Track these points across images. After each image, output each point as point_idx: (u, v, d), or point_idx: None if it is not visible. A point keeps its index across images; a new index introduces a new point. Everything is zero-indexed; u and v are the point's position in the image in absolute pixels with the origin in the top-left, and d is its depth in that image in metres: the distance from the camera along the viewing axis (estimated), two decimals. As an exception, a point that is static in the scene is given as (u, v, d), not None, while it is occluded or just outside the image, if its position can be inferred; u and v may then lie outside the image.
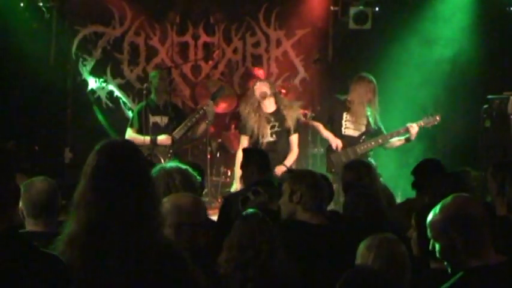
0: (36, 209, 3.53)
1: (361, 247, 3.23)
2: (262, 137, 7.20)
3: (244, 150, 6.23)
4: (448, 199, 2.81)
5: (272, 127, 7.27)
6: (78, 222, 2.44)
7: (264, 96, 7.26)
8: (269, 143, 7.20)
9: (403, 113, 8.53)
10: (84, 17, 9.82)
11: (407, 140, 7.29)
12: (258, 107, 7.29)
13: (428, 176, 4.83)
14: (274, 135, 7.27)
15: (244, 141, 7.31)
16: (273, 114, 7.32)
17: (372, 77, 7.26)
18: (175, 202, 3.13)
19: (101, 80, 9.91)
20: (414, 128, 7.19)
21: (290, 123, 7.27)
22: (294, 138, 7.32)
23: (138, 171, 2.51)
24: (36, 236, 3.31)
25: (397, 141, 7.42)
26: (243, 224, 3.38)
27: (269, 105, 7.33)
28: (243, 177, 5.60)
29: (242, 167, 5.59)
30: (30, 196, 3.53)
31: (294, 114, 7.34)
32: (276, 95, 7.42)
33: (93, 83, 9.91)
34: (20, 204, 3.40)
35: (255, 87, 7.39)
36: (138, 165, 2.53)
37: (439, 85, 9.21)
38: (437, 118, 7.37)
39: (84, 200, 2.44)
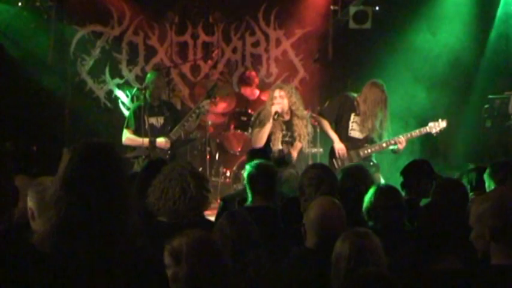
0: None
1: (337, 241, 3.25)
2: (273, 144, 7.19)
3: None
4: (494, 189, 2.88)
5: (284, 136, 7.27)
6: (48, 221, 2.47)
7: (278, 113, 7.15)
8: (279, 151, 7.16)
9: (403, 113, 8.52)
10: (83, 16, 9.82)
11: (394, 152, 7.28)
12: (271, 111, 7.20)
13: (417, 177, 4.90)
14: (283, 144, 7.26)
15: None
16: (287, 123, 7.28)
17: (384, 86, 7.19)
18: (322, 208, 3.35)
19: (100, 79, 9.92)
20: (402, 144, 7.15)
21: (299, 134, 7.25)
22: (297, 145, 7.29)
23: (110, 174, 2.53)
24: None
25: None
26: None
27: (285, 114, 7.27)
28: None
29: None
30: (44, 197, 3.43)
31: (304, 128, 7.26)
32: (293, 104, 7.25)
33: (91, 82, 9.91)
34: (30, 204, 3.40)
35: (275, 95, 7.21)
36: (110, 167, 2.54)
37: (439, 85, 9.15)
38: (444, 124, 7.30)
39: (55, 199, 2.47)
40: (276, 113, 7.08)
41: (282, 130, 7.21)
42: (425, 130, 7.29)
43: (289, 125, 7.24)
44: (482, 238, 2.75)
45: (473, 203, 3.01)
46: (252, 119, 7.64)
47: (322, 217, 3.45)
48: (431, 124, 7.30)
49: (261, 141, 7.11)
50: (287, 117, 7.23)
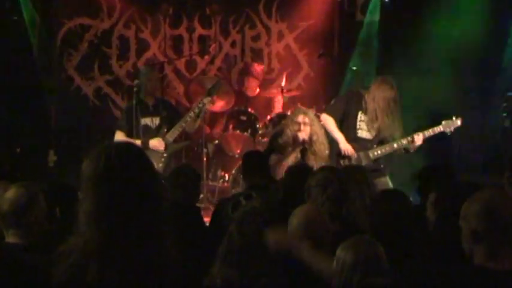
0: (3, 219, 3.48)
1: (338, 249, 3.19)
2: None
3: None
4: (486, 189, 2.86)
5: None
6: (95, 231, 2.34)
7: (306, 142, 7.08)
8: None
9: (415, 111, 8.28)
10: (70, 8, 9.66)
11: (407, 150, 7.08)
12: (295, 138, 7.14)
13: (434, 181, 4.74)
14: None
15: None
16: (301, 152, 7.17)
17: (394, 83, 6.99)
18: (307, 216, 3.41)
19: (88, 76, 9.79)
20: (416, 143, 6.96)
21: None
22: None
23: (143, 178, 2.40)
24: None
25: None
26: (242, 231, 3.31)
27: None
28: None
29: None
30: None
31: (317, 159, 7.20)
32: (315, 134, 7.14)
33: (79, 79, 9.78)
34: None
35: (298, 120, 7.14)
36: (142, 171, 2.41)
37: (454, 82, 8.86)
38: (458, 122, 7.10)
39: (96, 215, 2.34)
40: (304, 141, 7.04)
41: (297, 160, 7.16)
42: (439, 129, 7.07)
43: (303, 156, 7.12)
44: (467, 236, 2.80)
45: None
46: (268, 141, 7.61)
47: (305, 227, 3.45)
48: (444, 122, 7.08)
49: (282, 171, 6.84)
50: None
